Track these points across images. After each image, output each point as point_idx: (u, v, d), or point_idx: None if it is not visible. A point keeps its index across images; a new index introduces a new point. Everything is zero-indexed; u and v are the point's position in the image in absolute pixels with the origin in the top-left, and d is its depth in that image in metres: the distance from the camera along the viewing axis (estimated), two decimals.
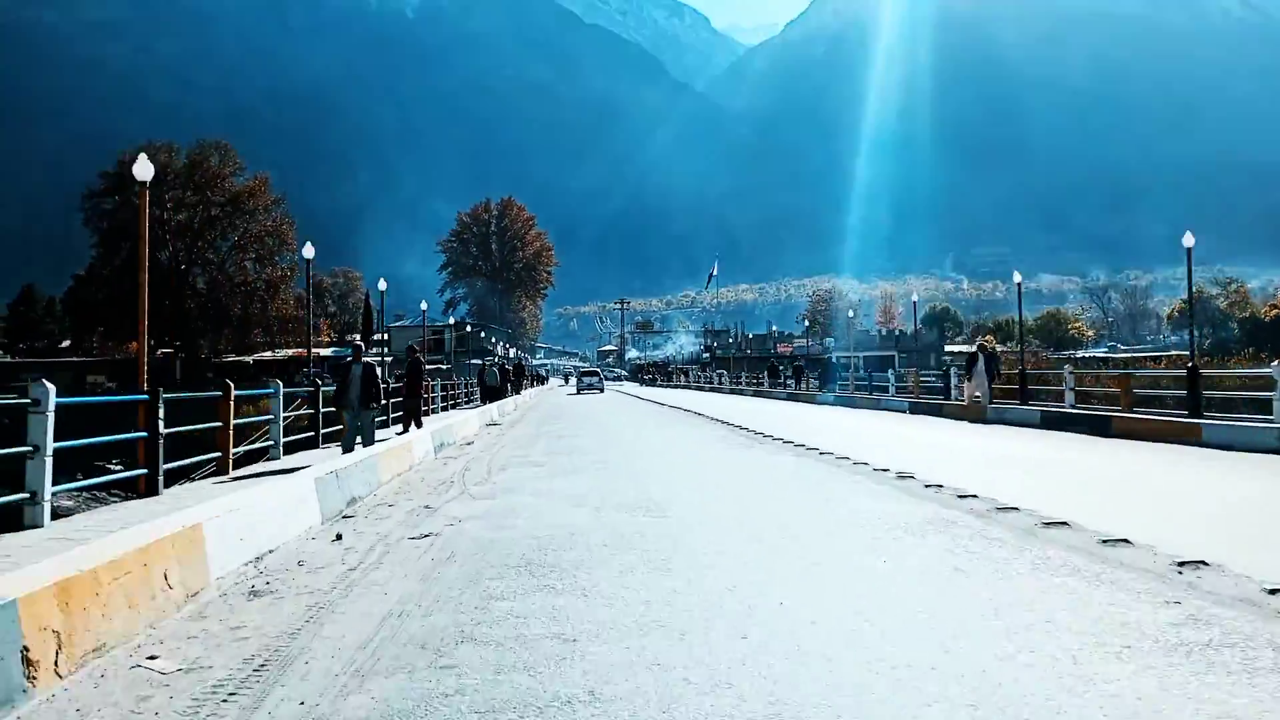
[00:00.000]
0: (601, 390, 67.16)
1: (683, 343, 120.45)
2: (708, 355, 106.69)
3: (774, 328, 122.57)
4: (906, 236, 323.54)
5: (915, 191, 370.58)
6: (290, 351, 74.67)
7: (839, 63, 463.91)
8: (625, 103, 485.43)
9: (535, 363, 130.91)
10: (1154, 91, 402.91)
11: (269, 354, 76.42)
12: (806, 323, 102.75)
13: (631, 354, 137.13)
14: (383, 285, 33.35)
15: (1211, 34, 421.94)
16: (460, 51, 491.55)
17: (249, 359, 74.81)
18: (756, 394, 48.09)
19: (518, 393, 41.96)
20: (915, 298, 66.36)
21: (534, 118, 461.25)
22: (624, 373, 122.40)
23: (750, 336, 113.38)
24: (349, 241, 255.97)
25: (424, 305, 44.49)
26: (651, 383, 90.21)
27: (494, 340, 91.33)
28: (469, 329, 70.24)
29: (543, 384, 76.65)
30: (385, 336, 75.51)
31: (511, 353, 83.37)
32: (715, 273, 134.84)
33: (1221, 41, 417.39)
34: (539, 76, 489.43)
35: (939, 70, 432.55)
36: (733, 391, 54.69)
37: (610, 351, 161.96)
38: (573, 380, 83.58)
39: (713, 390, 60.40)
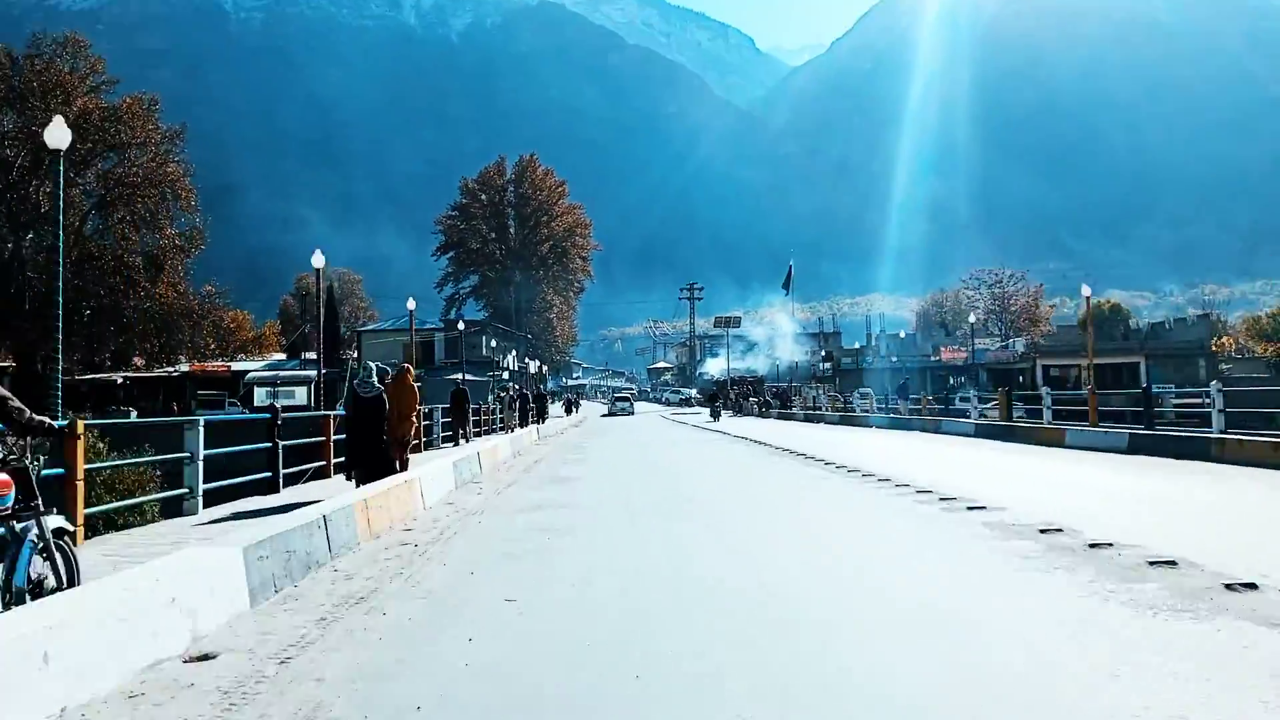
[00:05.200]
0: (630, 413, 64.64)
1: (781, 352, 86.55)
2: (828, 366, 77.85)
3: (877, 331, 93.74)
4: (957, 251, 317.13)
5: (965, 206, 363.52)
6: (188, 366, 55.30)
7: (884, 79, 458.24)
8: (669, 122, 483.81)
9: (572, 383, 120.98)
10: (1207, 101, 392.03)
11: (170, 368, 54.30)
12: (937, 325, 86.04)
13: (710, 366, 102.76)
14: (319, 261, 22.41)
15: (1264, 42, 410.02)
16: (505, 75, 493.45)
17: (117, 376, 53.34)
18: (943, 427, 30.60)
19: (523, 425, 33.99)
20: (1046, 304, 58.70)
21: (578, 139, 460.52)
22: (693, 394, 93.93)
23: (856, 346, 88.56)
24: (389, 268, 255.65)
25: (411, 303, 31.95)
26: (750, 410, 61.30)
27: (501, 348, 68.06)
28: (461, 328, 48.40)
29: (572, 412, 57.50)
30: (355, 351, 61.62)
31: (532, 367, 64.94)
32: (792, 274, 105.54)
33: (1274, 49, 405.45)
34: (582, 98, 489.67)
35: (985, 84, 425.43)
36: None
37: (664, 370, 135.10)
38: (618, 405, 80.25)
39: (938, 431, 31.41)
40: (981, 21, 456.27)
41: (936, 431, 28.63)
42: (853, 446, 22.05)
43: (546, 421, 38.94)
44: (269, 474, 13.22)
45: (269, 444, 13.34)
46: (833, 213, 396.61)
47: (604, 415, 65.46)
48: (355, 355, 57.23)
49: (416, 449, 19.61)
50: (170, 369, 52.97)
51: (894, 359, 72.90)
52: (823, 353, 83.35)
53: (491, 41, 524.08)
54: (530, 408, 36.18)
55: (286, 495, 12.83)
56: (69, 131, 12.22)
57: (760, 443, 25.04)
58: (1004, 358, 67.43)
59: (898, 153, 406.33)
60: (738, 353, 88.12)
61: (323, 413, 18.31)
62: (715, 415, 50.03)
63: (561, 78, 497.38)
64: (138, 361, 52.65)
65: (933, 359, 72.84)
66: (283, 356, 67.06)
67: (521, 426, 33.19)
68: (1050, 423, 23.34)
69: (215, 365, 56.52)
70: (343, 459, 15.48)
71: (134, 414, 39.13)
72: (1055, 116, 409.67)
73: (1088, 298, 29.59)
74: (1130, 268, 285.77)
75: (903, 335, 65.24)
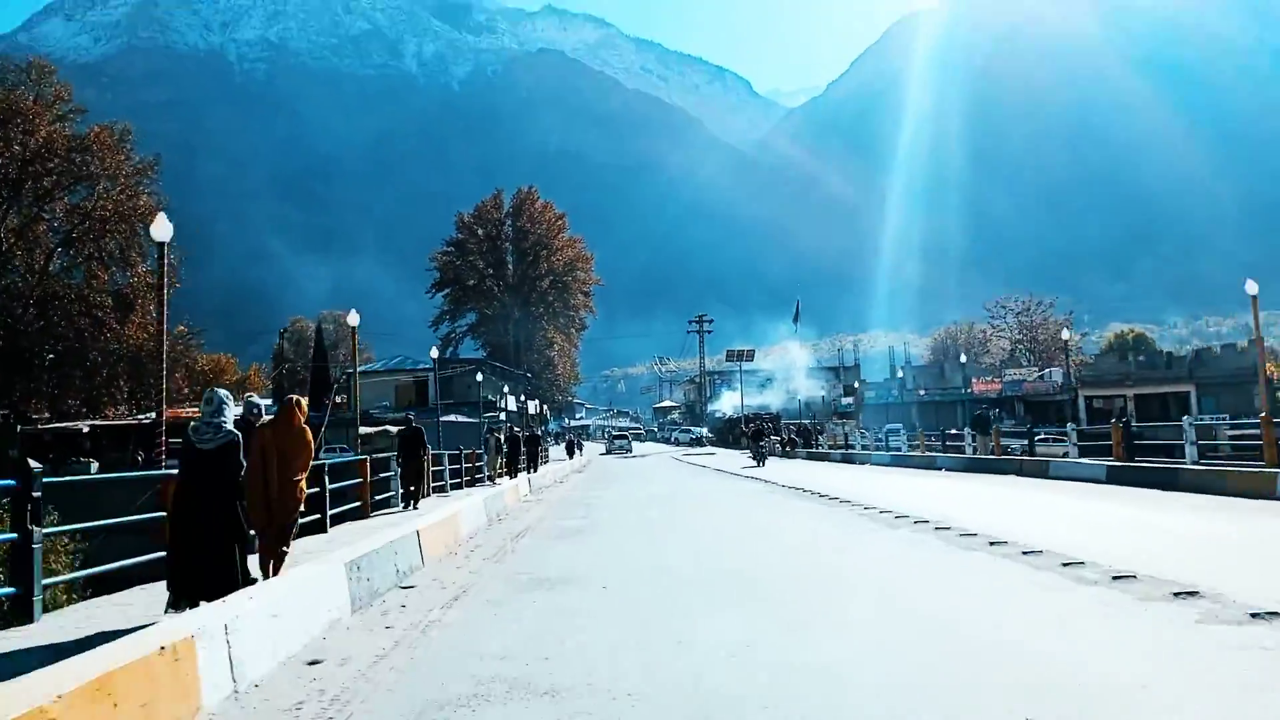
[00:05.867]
0: (629, 451, 64.22)
1: (796, 387, 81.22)
2: (849, 401, 72.71)
3: (899, 363, 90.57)
4: (953, 286, 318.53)
5: (961, 242, 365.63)
6: (153, 414, 44.79)
7: (879, 119, 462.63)
8: (667, 164, 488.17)
9: (575, 423, 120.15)
10: (1204, 137, 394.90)
11: (142, 415, 47.62)
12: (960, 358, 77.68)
13: (720, 403, 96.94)
14: (353, 320, 22.37)
15: (1257, 79, 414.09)
16: (505, 121, 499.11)
17: (83, 425, 45.78)
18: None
19: (512, 474, 29.04)
20: (1067, 335, 56.73)
21: (578, 182, 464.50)
22: (704, 433, 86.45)
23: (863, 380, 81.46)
24: (390, 311, 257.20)
25: (434, 352, 33.09)
26: (771, 450, 47.91)
27: (498, 387, 62.83)
28: (455, 368, 47.28)
29: (574, 454, 53.10)
30: (339, 396, 58.48)
31: (532, 407, 63.33)
32: (798, 314, 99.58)
33: (1269, 82, 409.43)
34: (582, 142, 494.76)
35: (979, 122, 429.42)
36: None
37: (670, 409, 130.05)
38: (616, 444, 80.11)
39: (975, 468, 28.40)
40: (974, 61, 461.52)
41: (1040, 475, 23.07)
42: (987, 506, 15.55)
43: (543, 467, 35.07)
44: (317, 515, 11.81)
45: (317, 488, 11.63)
46: (830, 250, 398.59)
47: (602, 454, 66.07)
48: (342, 398, 55.82)
49: (351, 516, 14.85)
50: (141, 416, 47.80)
51: (922, 392, 68.88)
52: (841, 387, 78.11)
53: (492, 88, 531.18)
54: (521, 453, 30.69)
55: (334, 534, 12.14)
56: (170, 226, 12.41)
57: (835, 499, 17.64)
58: (1042, 389, 63.01)
59: (892, 191, 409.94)
60: (749, 389, 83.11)
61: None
62: (759, 458, 38.61)
63: (561, 123, 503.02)
64: (109, 411, 47.83)
65: (965, 391, 67.58)
66: (268, 401, 65.41)
67: (511, 476, 28.19)
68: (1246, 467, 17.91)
69: (191, 411, 53.52)
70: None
71: (95, 466, 36.63)
72: (1050, 153, 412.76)
73: (1130, 334, 29.28)
74: (1133, 301, 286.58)
75: (900, 373, 62.25)
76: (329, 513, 12.69)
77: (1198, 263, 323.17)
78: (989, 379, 68.54)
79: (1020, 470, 24.71)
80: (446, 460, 22.68)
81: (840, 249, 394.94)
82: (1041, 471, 23.46)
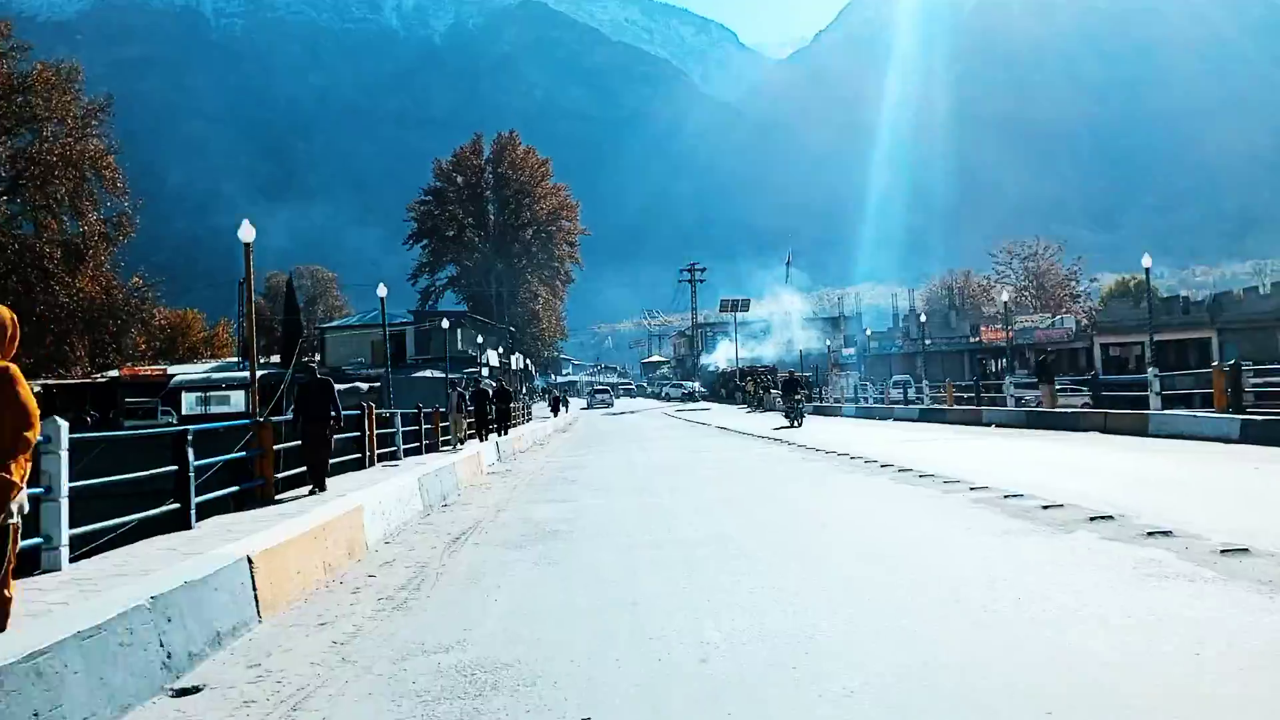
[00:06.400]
0: (609, 405, 63.43)
1: (793, 337, 76.21)
2: (850, 352, 68.59)
3: (919, 314, 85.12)
4: (939, 239, 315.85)
5: (947, 195, 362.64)
6: (117, 371, 48.15)
7: (865, 70, 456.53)
8: (654, 118, 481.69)
9: (561, 379, 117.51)
10: (1190, 86, 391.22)
11: (98, 374, 47.74)
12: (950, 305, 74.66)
13: (712, 356, 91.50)
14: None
15: (1249, 26, 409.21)
16: (488, 75, 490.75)
17: (35, 384, 42.71)
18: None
19: (481, 437, 24.24)
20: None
21: (562, 136, 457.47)
22: (697, 387, 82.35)
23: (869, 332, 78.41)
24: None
25: (382, 290, 28.50)
26: (773, 404, 48.93)
27: (479, 342, 59.13)
28: (431, 323, 43.44)
29: (559, 412, 49.55)
30: (315, 353, 54.81)
31: (515, 363, 59.61)
32: (790, 263, 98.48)
33: (1263, 33, 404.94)
34: (566, 95, 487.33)
35: (964, 73, 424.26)
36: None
37: (659, 363, 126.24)
38: (596, 398, 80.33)
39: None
40: (961, 9, 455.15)
41: (1137, 433, 18.65)
42: (1175, 486, 10.94)
43: (524, 427, 32.02)
44: (177, 505, 9.33)
45: (176, 466, 9.36)
46: (817, 203, 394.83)
47: (583, 408, 68.46)
48: (317, 356, 52.93)
49: (251, 502, 11.19)
50: (98, 375, 46.87)
51: (928, 341, 66.00)
52: (842, 337, 73.13)
53: (474, 41, 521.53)
54: (489, 413, 25.39)
55: (203, 529, 9.03)
56: (253, 229, 14.09)
57: (923, 475, 12.76)
58: (1055, 336, 59.56)
59: (880, 142, 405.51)
60: (741, 341, 79.58)
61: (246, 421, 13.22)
62: (794, 418, 31.92)
63: (545, 76, 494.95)
64: (63, 371, 45.76)
65: (973, 340, 64.85)
66: (238, 359, 60.29)
67: (480, 438, 23.70)
68: None
69: (151, 369, 50.50)
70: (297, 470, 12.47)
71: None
72: (1036, 105, 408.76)
73: (1147, 269, 26.34)
74: (1119, 251, 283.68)
75: (923, 318, 58.17)
76: (193, 503, 9.24)
77: (1182, 214, 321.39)
78: (998, 327, 62.10)
79: (1105, 426, 20.18)
80: (399, 421, 18.92)
81: (827, 201, 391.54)
82: (1139, 428, 18.76)
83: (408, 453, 18.92)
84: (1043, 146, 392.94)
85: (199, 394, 44.46)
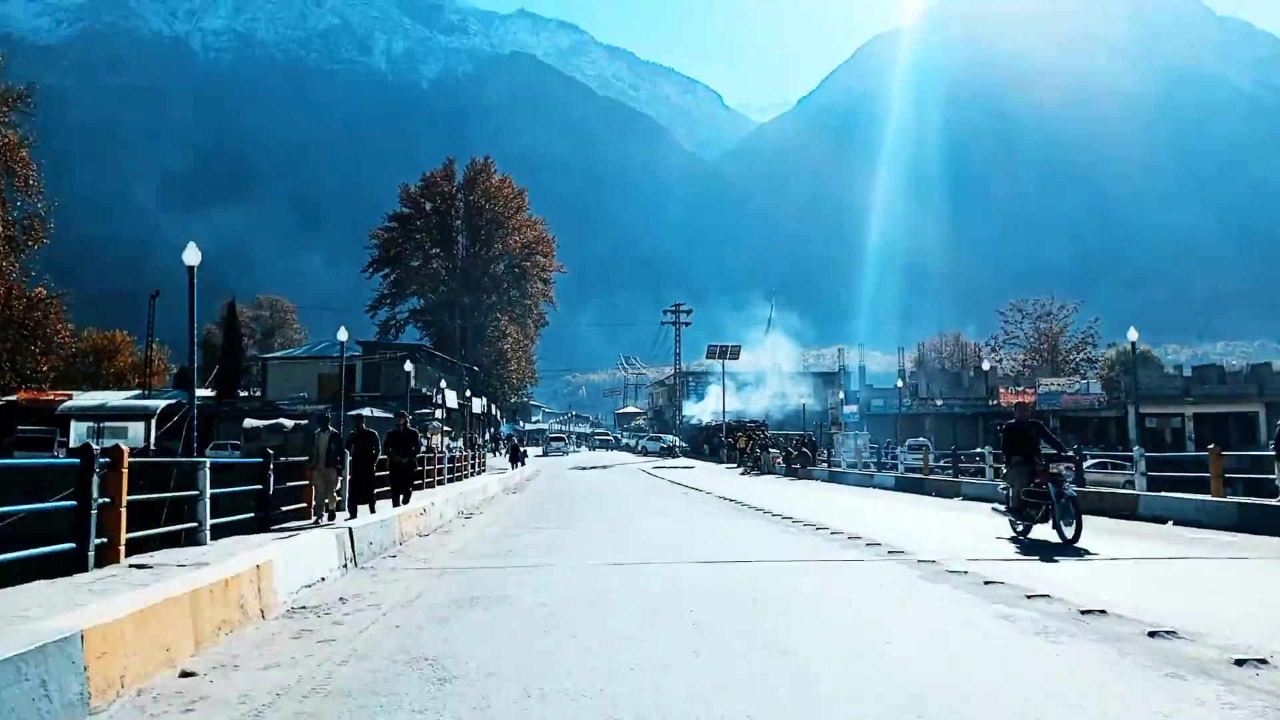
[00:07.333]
0: (564, 453, 63.39)
1: (785, 391, 70.37)
2: (852, 410, 62.40)
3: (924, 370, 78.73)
4: (923, 304, 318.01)
5: (930, 261, 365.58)
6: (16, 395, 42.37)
7: (849, 137, 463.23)
8: (637, 173, 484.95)
9: (530, 427, 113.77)
10: (1164, 166, 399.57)
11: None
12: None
13: (697, 408, 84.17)
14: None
15: (1219, 113, 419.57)
16: (474, 122, 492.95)
17: None
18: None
19: (359, 497, 15.56)
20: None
21: (545, 188, 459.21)
22: (677, 442, 74.61)
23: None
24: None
25: (343, 333, 25.95)
26: (767, 465, 44.56)
27: (435, 379, 53.39)
28: (382, 355, 38.86)
29: (518, 464, 42.53)
30: (256, 389, 51.12)
31: (477, 405, 56.36)
32: (773, 316, 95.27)
33: (1234, 118, 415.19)
34: (551, 148, 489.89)
35: (950, 144, 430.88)
36: None
37: (634, 415, 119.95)
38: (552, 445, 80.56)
39: None
40: (945, 82, 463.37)
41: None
42: None
43: (466, 483, 25.57)
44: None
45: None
46: (800, 266, 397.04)
47: (538, 455, 66.67)
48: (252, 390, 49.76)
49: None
50: None
51: (938, 402, 59.79)
52: (841, 394, 66.86)
53: (461, 89, 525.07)
54: (377, 466, 16.32)
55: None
56: (199, 253, 14.15)
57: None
58: (1084, 402, 54.90)
59: (865, 207, 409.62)
60: (724, 393, 72.34)
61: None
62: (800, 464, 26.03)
63: (531, 127, 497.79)
64: None
65: (990, 403, 58.66)
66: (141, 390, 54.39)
67: (354, 508, 15.12)
68: None
69: (56, 394, 45.23)
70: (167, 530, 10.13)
71: None
72: (1018, 173, 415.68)
73: (1133, 343, 24.64)
74: (1074, 329, 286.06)
75: (914, 380, 53.15)
76: None
77: (1152, 291, 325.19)
78: (1020, 389, 58.40)
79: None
80: (205, 480, 10.74)
81: (808, 263, 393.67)
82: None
83: (225, 532, 11.55)
84: (1021, 214, 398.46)
85: (91, 424, 39.66)
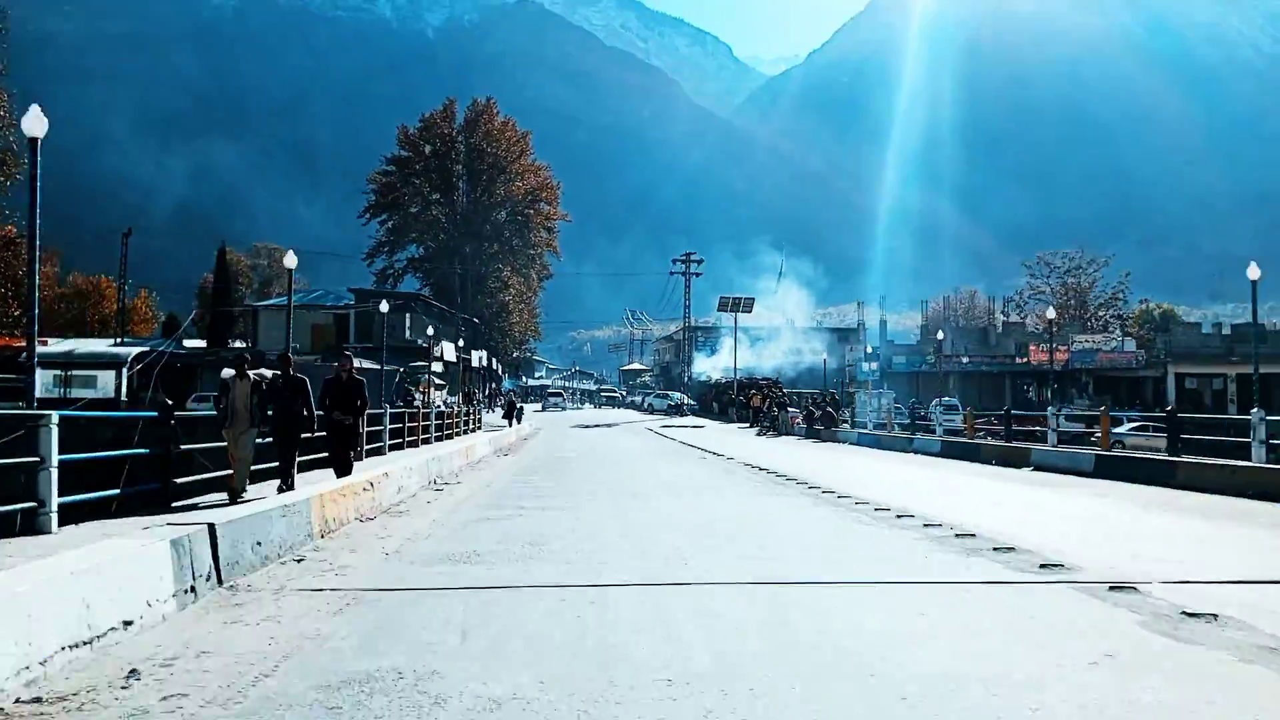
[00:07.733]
0: (562, 408, 62.35)
1: (799, 347, 67.88)
2: (872, 368, 59.23)
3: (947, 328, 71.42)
4: (935, 262, 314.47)
5: (942, 218, 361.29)
6: None
7: (861, 92, 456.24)
8: (645, 126, 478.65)
9: (533, 383, 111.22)
10: (1181, 126, 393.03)
11: None
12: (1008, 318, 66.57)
13: (705, 365, 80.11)
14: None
15: (1239, 70, 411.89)
16: (480, 72, 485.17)
17: None
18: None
19: (290, 466, 12.65)
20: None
21: (551, 139, 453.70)
22: (685, 399, 71.49)
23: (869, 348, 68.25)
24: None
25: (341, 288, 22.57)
26: (783, 426, 41.77)
27: (433, 331, 48.10)
28: (375, 302, 35.77)
29: (513, 421, 40.60)
30: (247, 339, 49.51)
31: (476, 359, 54.66)
32: (784, 266, 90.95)
33: (1253, 76, 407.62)
34: (557, 99, 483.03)
35: (964, 100, 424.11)
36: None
37: (639, 371, 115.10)
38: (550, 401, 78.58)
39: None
40: (961, 36, 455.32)
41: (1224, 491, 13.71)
42: None
43: (460, 440, 22.87)
44: None
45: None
46: (809, 222, 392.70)
47: (537, 411, 65.22)
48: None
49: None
50: None
51: (964, 359, 57.27)
52: (862, 350, 63.57)
53: (467, 39, 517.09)
54: (313, 426, 13.27)
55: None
56: (45, 121, 11.48)
57: None
58: (1121, 361, 52.51)
59: (877, 164, 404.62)
60: (734, 348, 69.51)
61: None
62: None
63: (537, 77, 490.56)
64: None
65: (1019, 360, 56.83)
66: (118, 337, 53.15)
67: (286, 478, 12.67)
68: None
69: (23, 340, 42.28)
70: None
71: None
72: (1034, 130, 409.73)
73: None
74: (1101, 285, 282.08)
75: (939, 335, 50.44)
76: None
77: (1166, 250, 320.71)
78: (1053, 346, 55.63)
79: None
80: (52, 441, 8.77)
81: (817, 219, 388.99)
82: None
83: (73, 515, 9.14)
84: (1038, 172, 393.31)
85: (57, 371, 37.29)
